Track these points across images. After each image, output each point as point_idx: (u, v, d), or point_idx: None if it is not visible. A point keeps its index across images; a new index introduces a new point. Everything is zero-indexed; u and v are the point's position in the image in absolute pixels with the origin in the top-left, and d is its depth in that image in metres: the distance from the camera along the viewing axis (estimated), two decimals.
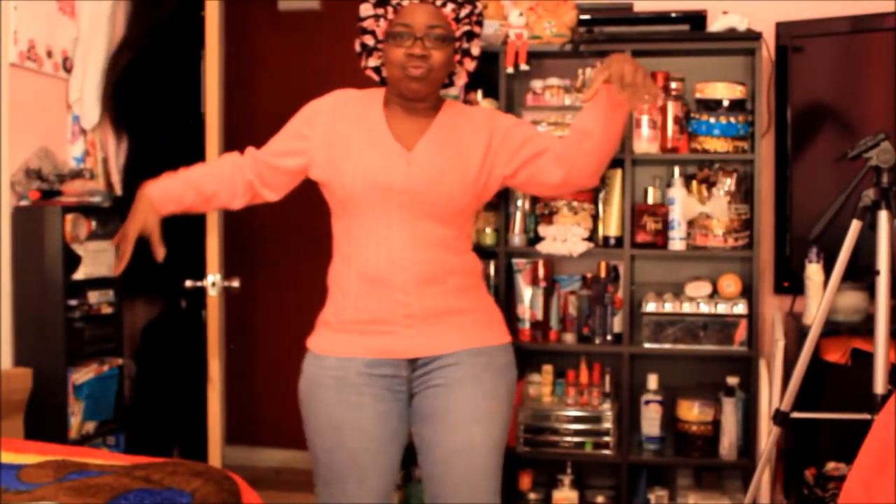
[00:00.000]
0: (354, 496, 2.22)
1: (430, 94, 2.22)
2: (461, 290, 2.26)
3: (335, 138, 2.23)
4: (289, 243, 4.68)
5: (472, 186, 2.23)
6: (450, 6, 2.19)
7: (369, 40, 2.26)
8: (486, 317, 2.31)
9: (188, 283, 3.29)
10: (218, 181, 2.33)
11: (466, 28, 2.24)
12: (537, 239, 3.29)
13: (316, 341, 2.29)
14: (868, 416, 2.43)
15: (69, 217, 3.16)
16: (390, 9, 2.19)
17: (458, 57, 2.27)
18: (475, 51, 2.30)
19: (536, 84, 3.34)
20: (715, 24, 3.19)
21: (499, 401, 2.25)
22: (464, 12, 2.22)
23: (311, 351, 2.29)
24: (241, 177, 2.32)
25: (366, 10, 2.23)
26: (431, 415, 2.22)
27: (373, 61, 2.29)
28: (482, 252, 3.35)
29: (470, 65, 2.31)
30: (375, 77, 2.31)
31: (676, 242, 3.21)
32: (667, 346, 3.22)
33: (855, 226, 2.50)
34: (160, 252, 2.25)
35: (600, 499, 3.32)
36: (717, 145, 3.17)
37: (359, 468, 2.22)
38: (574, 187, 2.39)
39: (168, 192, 2.30)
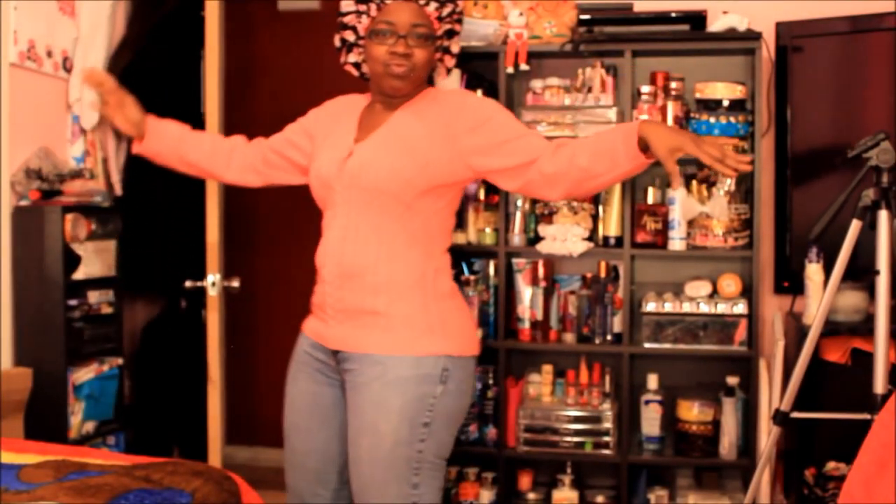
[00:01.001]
0: (290, 471, 2.33)
1: (410, 92, 2.23)
2: (381, 290, 2.15)
3: (315, 140, 2.34)
4: (289, 243, 4.68)
5: (411, 173, 2.13)
6: (433, 5, 2.19)
7: (350, 36, 2.26)
8: (401, 323, 2.15)
9: (188, 283, 3.29)
10: (208, 149, 2.46)
11: (448, 27, 2.25)
12: (537, 239, 3.29)
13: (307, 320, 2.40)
14: (868, 416, 2.43)
15: (69, 217, 3.16)
16: (373, 6, 2.19)
17: (438, 55, 2.28)
18: (455, 48, 2.30)
19: (536, 84, 3.34)
20: (715, 24, 3.19)
21: (387, 412, 2.10)
22: (446, 11, 2.23)
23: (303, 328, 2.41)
24: (238, 152, 2.45)
25: (347, 5, 2.24)
26: (352, 411, 2.23)
27: (353, 57, 2.29)
28: (482, 252, 3.36)
29: (450, 62, 2.31)
30: (355, 72, 2.32)
31: (676, 242, 3.21)
32: (667, 346, 3.22)
33: (855, 226, 2.50)
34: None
35: (600, 499, 3.32)
36: None
37: (290, 442, 2.33)
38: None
39: (161, 128, 2.46)
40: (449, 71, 2.35)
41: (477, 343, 2.29)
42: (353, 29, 2.24)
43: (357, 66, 2.30)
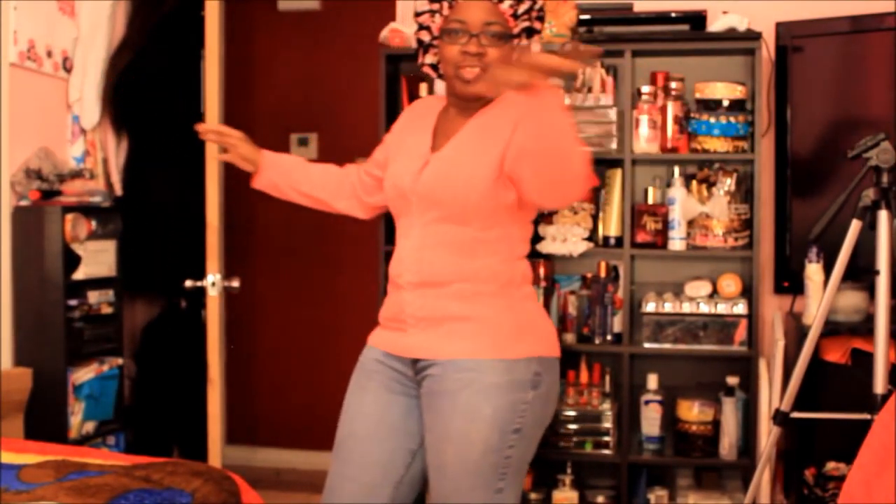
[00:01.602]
0: (339, 483, 2.14)
1: (484, 95, 2.11)
2: (466, 297, 2.09)
3: (391, 147, 2.28)
4: (289, 243, 4.68)
5: (487, 185, 2.05)
6: (507, 2, 2.11)
7: (425, 36, 2.20)
8: (490, 328, 2.08)
9: (188, 283, 3.29)
10: (318, 179, 2.40)
11: (525, 24, 2.16)
12: (537, 239, 3.29)
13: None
14: (868, 416, 2.43)
15: (69, 217, 3.16)
16: (445, 4, 2.13)
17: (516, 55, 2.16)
18: (536, 48, 2.21)
19: None
20: (715, 24, 3.19)
21: (477, 421, 2.03)
22: (522, 8, 2.14)
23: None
24: (346, 180, 2.39)
25: (421, 4, 2.18)
26: (425, 427, 2.13)
27: (429, 58, 2.23)
28: None
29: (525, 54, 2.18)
30: (433, 74, 2.25)
31: (676, 242, 3.21)
32: (667, 346, 3.22)
33: (855, 226, 2.49)
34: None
35: (600, 499, 3.32)
36: (717, 145, 3.17)
37: (346, 453, 2.14)
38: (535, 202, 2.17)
39: (275, 161, 2.39)
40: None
41: (559, 345, 2.25)
42: (428, 29, 2.18)
43: (435, 67, 2.23)
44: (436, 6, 2.15)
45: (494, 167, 2.05)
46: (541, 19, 2.19)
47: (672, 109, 3.21)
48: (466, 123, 2.15)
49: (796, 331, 2.97)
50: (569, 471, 3.33)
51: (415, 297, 2.11)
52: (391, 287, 2.19)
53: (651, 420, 3.27)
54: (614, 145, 3.24)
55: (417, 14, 2.19)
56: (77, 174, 3.37)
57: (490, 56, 2.08)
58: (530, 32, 2.18)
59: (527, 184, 2.01)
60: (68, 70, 3.48)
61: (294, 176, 2.38)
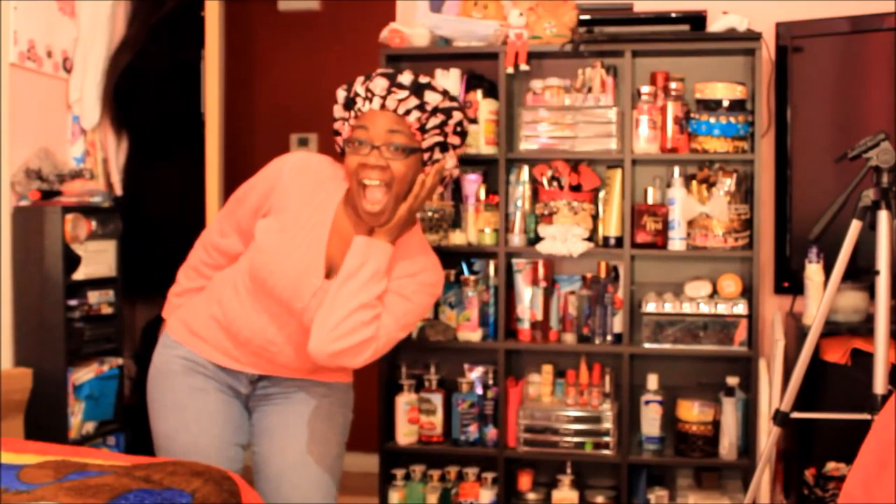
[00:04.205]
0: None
1: (388, 218, 2.11)
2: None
3: (283, 210, 2.16)
4: None
5: None
6: (414, 114, 2.08)
7: (338, 139, 2.20)
8: (332, 371, 2.32)
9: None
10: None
11: (437, 139, 2.12)
12: (537, 239, 3.29)
13: (175, 328, 2.32)
14: (868, 416, 2.43)
15: (69, 217, 3.16)
16: (352, 113, 2.12)
17: (427, 169, 2.14)
18: (450, 163, 2.18)
19: (536, 84, 3.34)
20: (715, 25, 3.19)
21: (335, 427, 2.31)
22: (432, 123, 2.10)
23: (167, 335, 2.33)
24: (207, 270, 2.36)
25: (336, 111, 2.18)
26: (269, 430, 2.28)
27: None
28: (482, 252, 3.36)
29: (455, 173, 2.22)
30: None
31: (676, 242, 3.21)
32: (667, 346, 3.22)
33: (855, 226, 2.49)
34: None
35: (600, 499, 3.32)
36: (717, 145, 3.17)
37: (201, 452, 2.22)
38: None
39: None
40: (446, 186, 2.31)
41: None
42: (338, 133, 2.19)
43: None
44: (346, 114, 2.13)
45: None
46: (461, 134, 2.17)
47: (672, 109, 3.21)
48: None
49: (796, 331, 2.97)
50: (569, 471, 3.33)
51: (258, 351, 2.24)
52: (242, 344, 2.23)
53: (651, 420, 3.27)
54: (614, 145, 3.24)
55: (334, 120, 2.18)
56: (77, 174, 3.37)
57: (394, 170, 2.06)
58: (444, 147, 2.15)
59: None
60: (68, 70, 3.48)
61: None
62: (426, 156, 2.13)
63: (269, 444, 2.29)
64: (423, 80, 2.12)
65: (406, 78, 2.10)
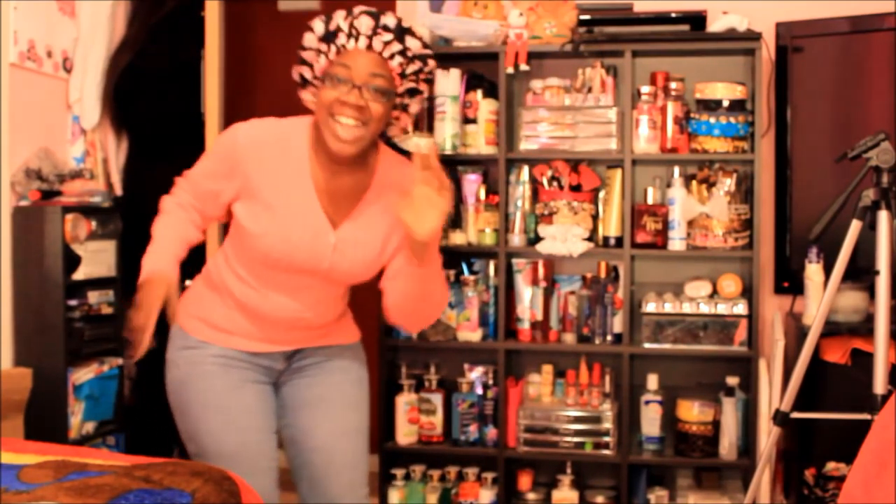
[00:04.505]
0: (253, 479, 2.17)
1: (358, 155, 2.09)
2: (340, 310, 2.35)
3: (257, 190, 2.12)
4: None
5: (380, 263, 2.21)
6: (397, 59, 2.06)
7: (306, 72, 2.14)
8: (349, 320, 2.39)
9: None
10: (192, 227, 2.30)
11: (411, 85, 2.13)
12: (537, 239, 3.29)
13: (197, 328, 2.26)
14: (868, 416, 2.43)
15: (69, 217, 3.16)
16: (333, 47, 2.05)
17: (396, 113, 2.15)
18: (414, 108, 2.18)
19: (536, 84, 3.34)
20: (715, 25, 3.19)
21: (363, 389, 2.36)
22: (412, 68, 2.09)
23: (188, 335, 2.26)
24: (195, 214, 2.30)
25: (309, 40, 2.11)
26: (308, 402, 2.28)
27: (308, 94, 2.18)
28: (482, 252, 3.36)
29: (406, 121, 2.20)
30: (312, 108, 2.18)
31: (676, 242, 3.21)
32: (667, 346, 3.22)
33: (855, 226, 2.49)
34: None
35: (600, 499, 3.32)
36: (717, 145, 3.17)
37: (251, 447, 2.21)
38: (392, 319, 2.25)
39: (174, 258, 2.24)
40: (406, 131, 2.29)
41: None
42: (311, 66, 2.13)
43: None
44: (324, 47, 2.07)
45: (388, 251, 2.19)
46: (428, 81, 2.17)
47: (672, 110, 3.21)
48: (362, 200, 2.16)
49: (796, 331, 2.97)
50: (569, 471, 3.33)
51: (302, 334, 2.27)
52: (260, 321, 2.22)
53: (651, 420, 3.27)
54: (614, 145, 3.24)
55: (303, 48, 2.12)
56: (77, 174, 3.37)
57: (372, 111, 2.04)
58: (413, 93, 2.15)
59: (396, 314, 2.18)
60: (68, 70, 3.48)
61: (181, 255, 2.28)
62: (398, 100, 2.14)
63: (310, 416, 2.28)
64: (406, 24, 2.11)
65: (391, 20, 2.08)
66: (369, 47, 2.05)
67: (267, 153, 2.12)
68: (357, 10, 2.08)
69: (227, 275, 2.24)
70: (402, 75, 2.10)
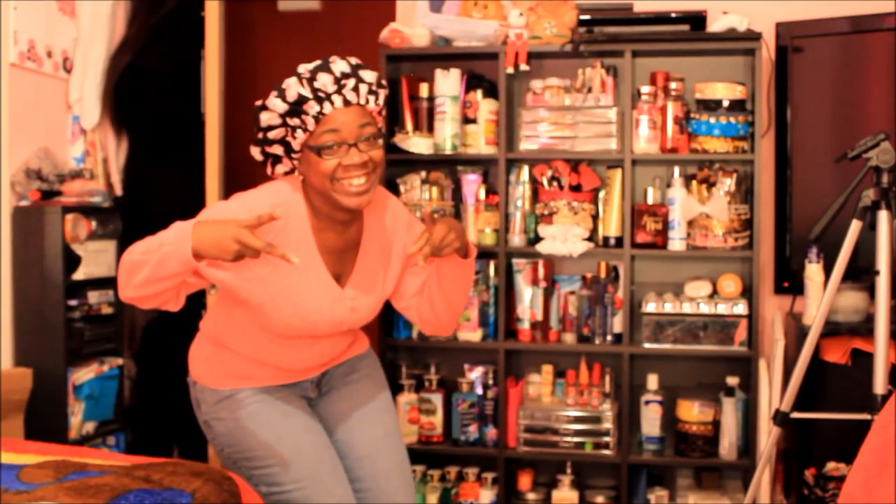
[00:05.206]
0: (336, 491, 2.16)
1: (370, 198, 2.05)
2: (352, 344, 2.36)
3: (268, 266, 2.02)
4: None
5: (387, 293, 2.25)
6: (371, 101, 2.04)
7: (277, 149, 2.06)
8: (360, 333, 2.38)
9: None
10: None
11: (384, 113, 2.14)
12: (537, 239, 3.29)
13: (222, 381, 2.19)
14: (868, 416, 2.43)
15: (69, 217, 3.16)
16: (309, 119, 1.98)
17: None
18: (383, 129, 2.17)
19: (536, 84, 3.34)
20: (715, 25, 3.19)
21: (387, 391, 2.38)
22: (381, 100, 2.08)
23: (218, 390, 2.18)
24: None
25: (270, 119, 2.01)
26: (344, 414, 2.28)
27: (282, 168, 2.11)
28: (482, 252, 3.36)
29: (379, 122, 2.17)
30: (281, 175, 2.13)
31: (676, 242, 3.21)
32: (667, 346, 3.22)
33: (855, 226, 2.49)
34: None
35: (600, 499, 3.32)
36: (717, 145, 3.17)
37: (327, 463, 2.17)
38: (428, 328, 2.30)
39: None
40: (406, 132, 2.30)
41: None
42: (283, 142, 2.03)
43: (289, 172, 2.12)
44: (294, 121, 1.99)
45: (389, 288, 2.23)
46: (386, 99, 2.13)
47: (672, 110, 3.21)
48: (360, 249, 2.15)
49: (796, 331, 2.97)
50: (569, 471, 3.33)
51: (325, 364, 2.28)
52: (278, 372, 2.20)
53: (651, 420, 3.27)
54: (614, 145, 3.24)
55: (267, 129, 2.03)
56: (77, 174, 3.38)
57: (374, 157, 2.02)
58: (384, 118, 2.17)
59: (435, 323, 2.25)
60: (68, 70, 3.48)
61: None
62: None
63: (347, 429, 2.27)
64: (352, 60, 2.05)
65: (343, 66, 2.01)
66: (346, 102, 1.99)
67: (270, 233, 2.00)
68: (305, 70, 2.01)
69: (235, 338, 2.17)
70: (379, 112, 2.09)
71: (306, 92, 1.98)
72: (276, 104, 2.00)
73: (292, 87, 1.99)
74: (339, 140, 1.99)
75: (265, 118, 2.02)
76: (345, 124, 1.99)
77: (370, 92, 2.03)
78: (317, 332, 2.14)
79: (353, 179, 2.00)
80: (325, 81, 1.98)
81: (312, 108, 1.98)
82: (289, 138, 2.03)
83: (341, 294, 2.13)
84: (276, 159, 2.09)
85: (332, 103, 1.98)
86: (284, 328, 2.09)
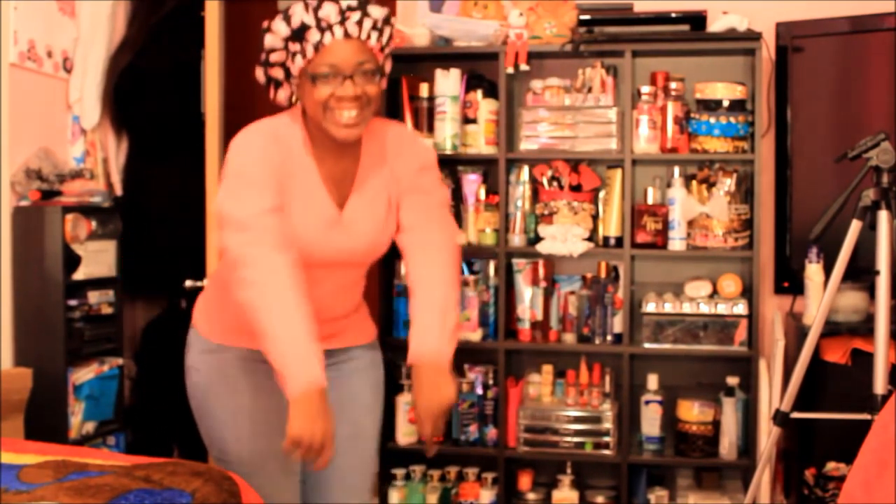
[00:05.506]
0: (281, 484, 2.13)
1: (360, 131, 2.06)
2: (356, 313, 2.31)
3: (283, 188, 2.05)
4: None
5: (389, 237, 2.20)
6: (374, 36, 2.02)
7: (278, 73, 2.08)
8: (366, 314, 2.35)
9: (188, 283, 3.29)
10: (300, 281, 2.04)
11: (388, 51, 2.11)
12: (537, 239, 3.29)
13: (219, 332, 2.19)
14: (868, 416, 2.43)
15: (69, 217, 3.16)
16: (309, 46, 1.98)
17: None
18: (388, 68, 2.15)
19: (536, 84, 3.34)
20: (715, 25, 3.19)
21: (380, 393, 2.34)
22: (385, 37, 2.06)
23: (208, 340, 2.19)
24: (290, 254, 2.03)
25: (273, 41, 2.02)
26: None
27: (283, 93, 2.13)
28: (482, 252, 3.36)
29: (383, 84, 2.15)
30: (286, 105, 2.15)
31: (676, 242, 3.21)
32: (667, 346, 3.22)
33: (855, 226, 2.49)
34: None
35: (600, 499, 3.32)
36: (717, 145, 3.17)
37: (278, 452, 2.06)
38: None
39: (318, 351, 1.99)
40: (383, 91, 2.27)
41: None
42: (283, 66, 2.05)
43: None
44: (295, 46, 2.00)
45: (392, 221, 2.17)
46: (392, 38, 2.11)
47: (672, 110, 3.21)
48: (357, 171, 2.13)
49: (796, 331, 2.97)
50: (569, 471, 3.33)
51: (322, 328, 2.11)
52: None
53: (651, 420, 3.27)
54: (614, 145, 3.24)
55: (270, 51, 2.05)
56: (77, 174, 3.37)
57: (369, 92, 2.01)
58: (387, 56, 2.13)
59: None
60: (68, 70, 3.48)
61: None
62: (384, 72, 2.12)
63: None
64: None
65: None
66: (346, 35, 1.99)
67: (278, 157, 2.06)
68: None
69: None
70: (381, 49, 2.07)
71: (309, 20, 1.98)
72: (279, 27, 2.02)
73: (297, 14, 2.00)
74: (334, 71, 1.99)
75: (269, 40, 2.04)
76: (343, 56, 1.99)
77: (374, 28, 2.02)
78: (314, 256, 2.07)
79: (345, 111, 2.00)
80: (329, 11, 1.99)
81: (313, 36, 1.98)
82: (288, 63, 2.04)
83: (338, 216, 2.11)
84: (277, 84, 2.11)
85: (332, 34, 1.99)
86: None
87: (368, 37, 2.01)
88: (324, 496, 2.26)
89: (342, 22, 1.99)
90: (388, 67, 2.16)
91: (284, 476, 2.16)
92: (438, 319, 2.12)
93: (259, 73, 2.13)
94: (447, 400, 2.05)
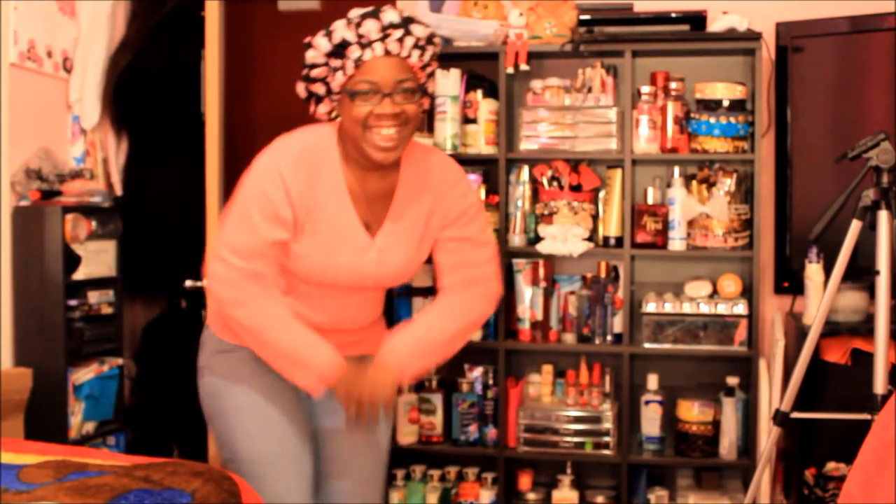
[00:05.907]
0: (291, 485, 2.14)
1: (399, 153, 2.05)
2: (378, 312, 2.34)
3: (307, 213, 2.06)
4: None
5: (419, 263, 2.21)
6: (415, 54, 2.02)
7: (319, 89, 2.08)
8: (383, 324, 2.36)
9: (188, 283, 3.29)
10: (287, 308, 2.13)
11: (431, 69, 2.11)
12: (537, 239, 3.29)
13: (228, 332, 2.18)
14: (868, 416, 2.43)
15: (69, 217, 3.16)
16: (349, 63, 2.00)
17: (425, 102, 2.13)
18: (432, 87, 2.15)
19: (536, 84, 3.34)
20: (715, 25, 3.19)
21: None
22: (427, 56, 2.06)
23: (222, 340, 2.20)
24: (276, 290, 2.11)
25: (314, 57, 2.04)
26: (335, 408, 2.19)
27: (323, 108, 2.12)
28: None
29: (426, 103, 2.16)
30: (327, 119, 2.15)
31: (676, 242, 3.21)
32: (667, 346, 3.22)
33: (855, 226, 2.49)
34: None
35: (600, 499, 3.32)
36: (717, 145, 3.17)
37: (289, 453, 2.14)
38: None
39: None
40: (425, 111, 2.27)
41: None
42: (324, 82, 2.06)
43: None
44: (337, 63, 2.01)
45: (425, 249, 2.19)
46: (437, 57, 2.12)
47: (672, 110, 3.21)
48: (393, 199, 2.12)
49: (796, 331, 2.97)
50: (569, 471, 3.33)
51: (339, 338, 2.17)
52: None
53: (651, 420, 3.27)
54: (614, 145, 3.24)
55: (311, 67, 2.06)
56: (77, 174, 3.37)
57: (408, 112, 2.01)
58: (430, 75, 2.13)
59: None
60: (68, 70, 3.48)
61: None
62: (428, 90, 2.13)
63: (332, 423, 2.23)
64: (405, 12, 2.06)
65: (393, 16, 2.02)
66: (387, 53, 2.00)
67: (305, 174, 2.05)
68: (355, 15, 2.02)
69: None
70: (423, 67, 2.07)
71: (350, 36, 2.00)
72: (320, 43, 2.03)
73: (339, 30, 2.02)
74: (374, 88, 1.99)
75: (310, 55, 2.05)
76: (382, 73, 1.99)
77: (416, 46, 2.02)
78: (339, 280, 2.08)
79: (383, 129, 2.00)
80: (370, 28, 1.99)
81: (354, 52, 2.00)
82: (329, 79, 2.05)
83: (369, 243, 2.10)
84: (318, 98, 2.11)
85: (372, 50, 1.99)
86: (307, 271, 2.08)
87: (409, 55, 2.01)
88: (327, 498, 2.26)
89: (383, 39, 1.99)
90: (430, 87, 2.14)
91: (295, 478, 2.16)
92: (421, 338, 2.15)
93: (300, 88, 2.13)
94: (376, 397, 2.06)
